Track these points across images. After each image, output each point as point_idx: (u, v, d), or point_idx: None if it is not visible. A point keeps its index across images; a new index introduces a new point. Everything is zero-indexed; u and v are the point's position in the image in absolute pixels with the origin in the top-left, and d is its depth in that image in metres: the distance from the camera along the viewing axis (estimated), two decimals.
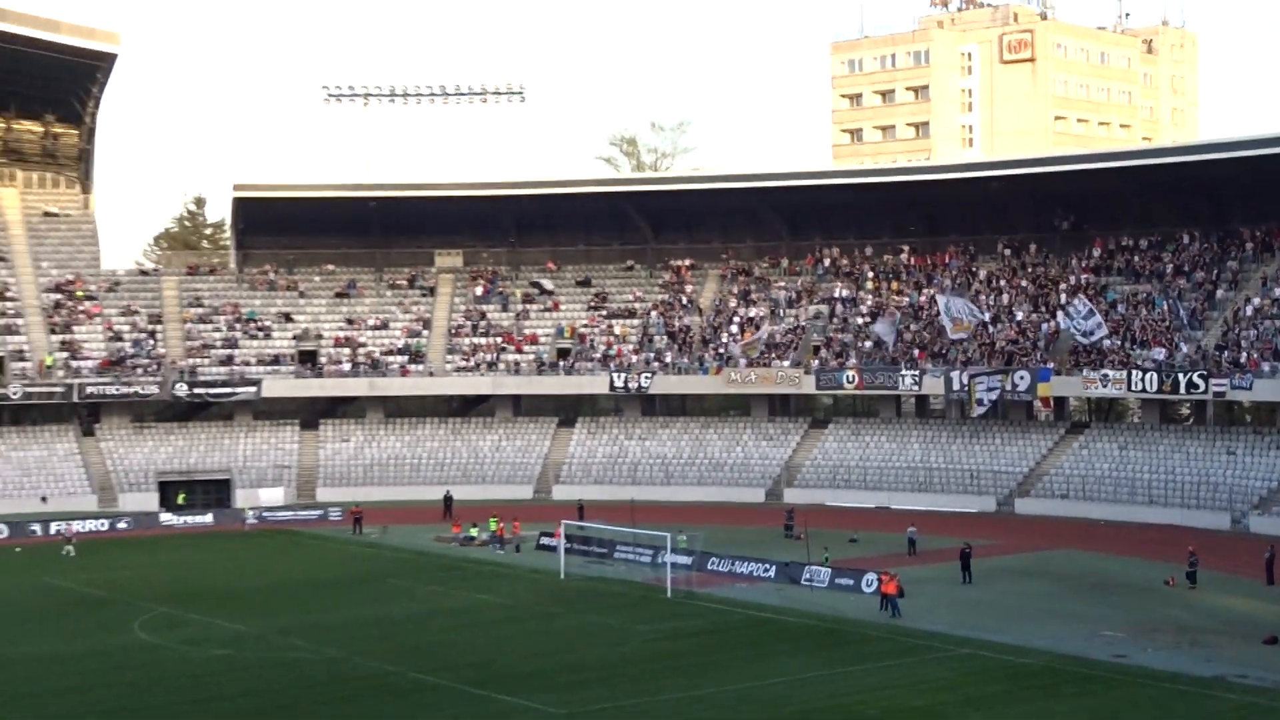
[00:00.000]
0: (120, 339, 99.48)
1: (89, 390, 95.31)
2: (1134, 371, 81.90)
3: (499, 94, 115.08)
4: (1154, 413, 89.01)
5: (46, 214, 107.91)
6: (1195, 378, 79.39)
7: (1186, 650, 47.55)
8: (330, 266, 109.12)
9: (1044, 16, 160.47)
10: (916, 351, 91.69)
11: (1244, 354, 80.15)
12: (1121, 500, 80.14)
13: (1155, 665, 45.41)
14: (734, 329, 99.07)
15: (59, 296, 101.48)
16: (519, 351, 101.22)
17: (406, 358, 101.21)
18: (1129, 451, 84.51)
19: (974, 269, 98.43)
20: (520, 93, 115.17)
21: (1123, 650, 47.52)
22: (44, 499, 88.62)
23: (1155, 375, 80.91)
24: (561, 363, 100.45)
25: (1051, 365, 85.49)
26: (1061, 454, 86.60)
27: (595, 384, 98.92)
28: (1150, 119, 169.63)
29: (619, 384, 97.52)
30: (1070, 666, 45.67)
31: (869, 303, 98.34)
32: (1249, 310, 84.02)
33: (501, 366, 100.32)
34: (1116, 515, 78.50)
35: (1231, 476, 78.42)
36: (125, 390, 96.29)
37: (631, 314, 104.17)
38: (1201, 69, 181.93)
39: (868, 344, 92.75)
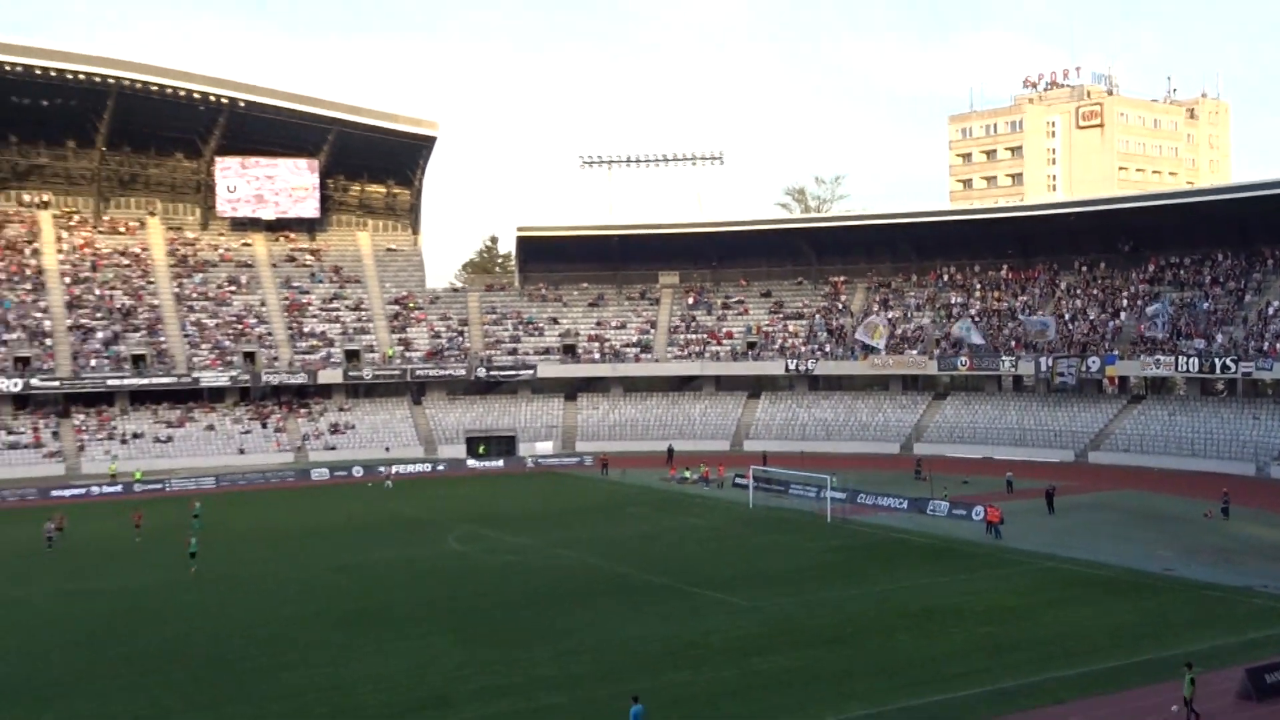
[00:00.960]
0: (439, 337, 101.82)
1: (418, 373, 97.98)
2: (1180, 356, 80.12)
3: (704, 159, 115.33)
4: (1196, 388, 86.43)
5: (388, 250, 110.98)
6: (1228, 361, 77.74)
7: (1221, 565, 46.34)
8: (584, 284, 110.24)
9: (1110, 93, 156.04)
10: (1013, 343, 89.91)
11: (1266, 344, 77.61)
12: (1170, 453, 77.57)
13: (1197, 576, 44.29)
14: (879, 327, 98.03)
15: (397, 308, 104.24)
16: (719, 344, 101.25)
17: (639, 349, 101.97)
18: (1176, 417, 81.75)
19: (1056, 282, 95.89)
20: (720, 158, 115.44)
21: (1171, 565, 46.42)
22: (387, 449, 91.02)
23: (1197, 359, 79.13)
24: (750, 352, 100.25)
25: (1116, 352, 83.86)
26: (1124, 418, 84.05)
27: (774, 367, 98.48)
28: (1192, 168, 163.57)
29: (791, 367, 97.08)
30: (1130, 577, 44.58)
31: (976, 308, 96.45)
32: (1270, 310, 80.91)
33: (707, 355, 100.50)
34: (1166, 464, 76.11)
35: (1256, 435, 75.75)
36: (443, 373, 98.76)
37: (800, 316, 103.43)
38: (1232, 129, 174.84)
39: (972, 339, 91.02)
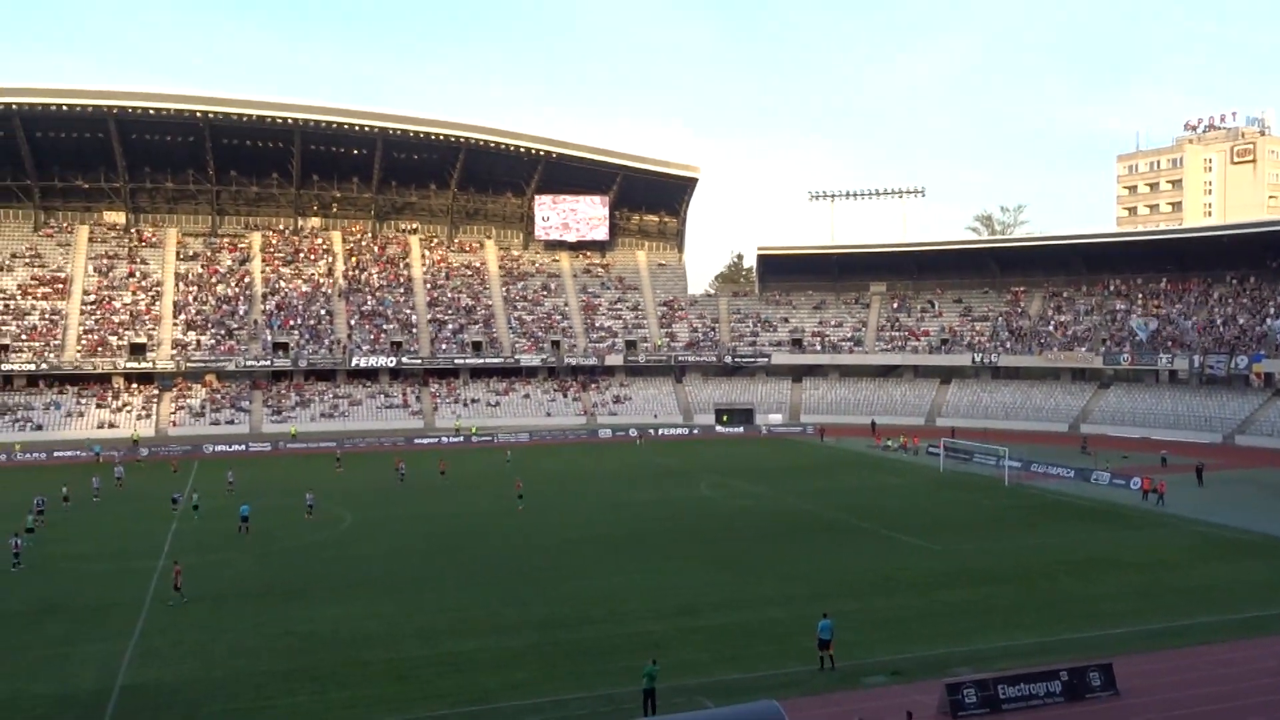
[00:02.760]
0: (696, 331, 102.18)
1: (679, 358, 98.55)
2: None
3: (909, 192, 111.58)
4: None
5: (659, 265, 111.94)
6: None
7: None
8: (810, 291, 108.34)
9: (1262, 133, 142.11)
10: (1170, 342, 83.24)
11: None
12: None
13: None
14: (1050, 328, 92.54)
15: (665, 309, 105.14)
16: (917, 340, 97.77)
17: (852, 343, 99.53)
18: None
19: (1210, 292, 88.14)
20: (922, 191, 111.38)
21: None
22: (655, 415, 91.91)
23: None
24: (942, 347, 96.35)
25: (1263, 352, 76.38)
26: (1269, 408, 76.46)
27: (962, 359, 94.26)
28: None
29: (977, 360, 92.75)
30: (1271, 542, 40.77)
31: (1138, 313, 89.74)
32: None
33: (907, 348, 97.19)
34: None
35: None
36: (698, 359, 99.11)
37: (985, 319, 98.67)
38: None
39: (1135, 337, 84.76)
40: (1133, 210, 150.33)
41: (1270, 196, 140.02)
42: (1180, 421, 79.00)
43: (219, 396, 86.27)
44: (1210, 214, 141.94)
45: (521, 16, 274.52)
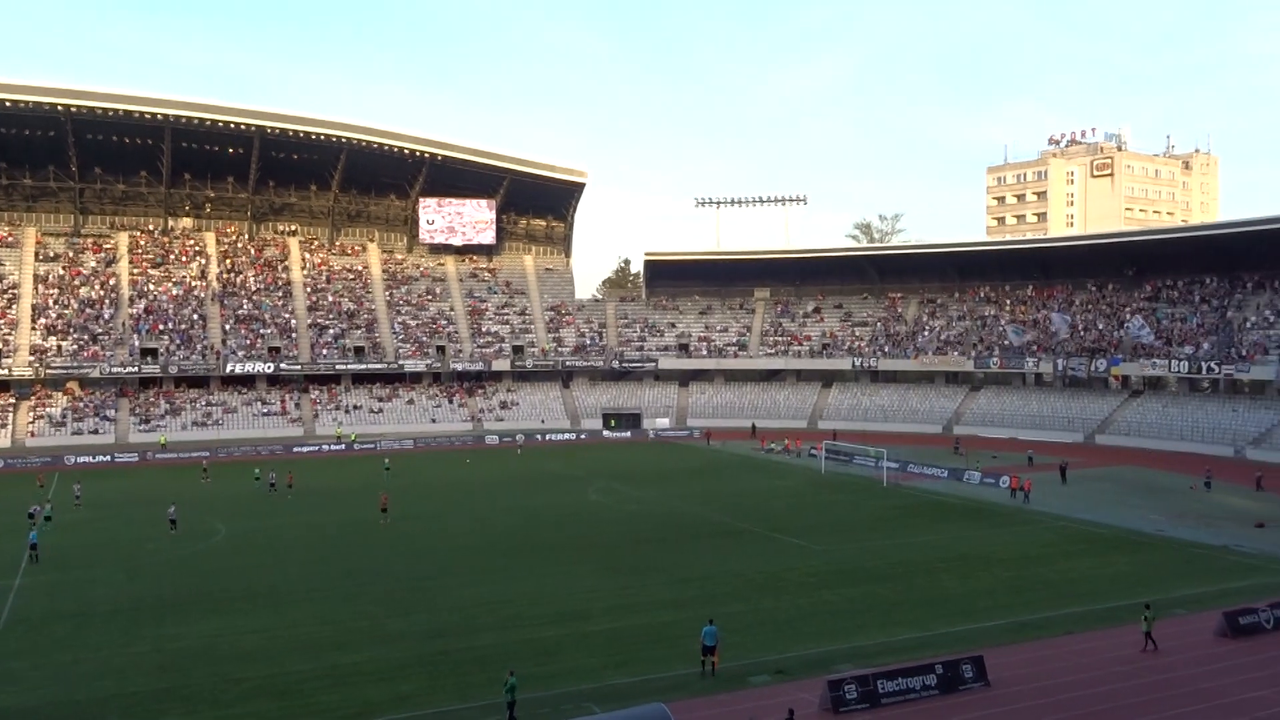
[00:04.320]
0: (584, 336, 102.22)
1: (567, 363, 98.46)
2: (1172, 360, 76.90)
3: (791, 200, 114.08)
4: (1185, 385, 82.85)
5: (546, 269, 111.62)
6: (1212, 364, 74.49)
7: (1204, 529, 44.37)
8: (696, 297, 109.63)
9: (1119, 149, 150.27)
10: (1035, 346, 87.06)
11: (1244, 350, 74.15)
12: (1163, 437, 74.38)
13: (1183, 537, 42.56)
14: (926, 333, 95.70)
15: (552, 313, 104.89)
16: (800, 345, 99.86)
17: (737, 347, 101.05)
18: (1169, 408, 78.37)
19: (1072, 298, 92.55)
20: (804, 199, 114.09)
21: (1163, 527, 44.64)
22: (542, 421, 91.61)
23: (1187, 363, 75.91)
24: (824, 351, 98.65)
25: (1121, 355, 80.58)
26: (1126, 408, 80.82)
27: (843, 364, 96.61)
28: (1186, 210, 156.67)
29: (858, 364, 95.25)
30: (1128, 536, 42.96)
31: (1006, 319, 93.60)
32: (1248, 324, 77.22)
33: (790, 353, 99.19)
34: (1159, 446, 72.98)
35: (1235, 424, 72.47)
36: (586, 364, 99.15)
37: (865, 324, 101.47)
38: (1221, 178, 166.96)
39: (1004, 342, 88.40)
40: (1001, 220, 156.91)
41: (1127, 208, 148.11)
42: (1045, 422, 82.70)
43: (81, 405, 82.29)
44: (1073, 224, 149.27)
45: (410, 18, 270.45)
